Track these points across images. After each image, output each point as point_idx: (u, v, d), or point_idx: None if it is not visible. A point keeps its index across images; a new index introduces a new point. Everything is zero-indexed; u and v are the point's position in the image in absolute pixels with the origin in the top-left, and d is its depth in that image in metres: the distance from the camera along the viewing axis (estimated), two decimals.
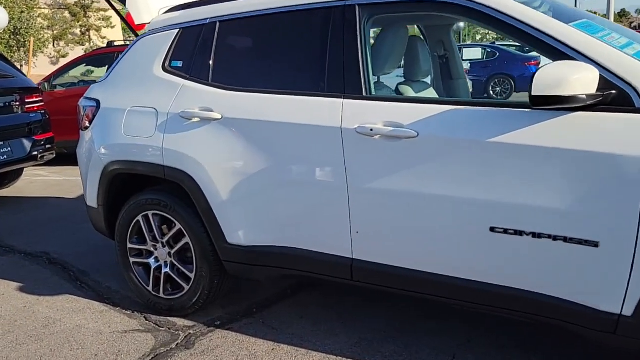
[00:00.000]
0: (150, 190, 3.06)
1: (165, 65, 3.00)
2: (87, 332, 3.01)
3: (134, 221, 3.12)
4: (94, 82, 8.42)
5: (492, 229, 2.14)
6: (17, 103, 5.73)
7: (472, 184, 2.15)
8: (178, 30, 3.00)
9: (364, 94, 2.42)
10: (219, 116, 2.72)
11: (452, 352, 2.65)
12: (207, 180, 2.77)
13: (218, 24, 2.86)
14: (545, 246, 2.06)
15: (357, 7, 2.46)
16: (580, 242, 1.99)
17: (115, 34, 31.34)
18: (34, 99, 5.94)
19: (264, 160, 2.62)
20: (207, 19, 2.90)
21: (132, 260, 3.20)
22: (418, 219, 2.30)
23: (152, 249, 3.13)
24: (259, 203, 2.69)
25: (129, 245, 3.19)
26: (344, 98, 2.45)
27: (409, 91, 3.01)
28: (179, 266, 3.04)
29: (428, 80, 3.42)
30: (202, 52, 2.89)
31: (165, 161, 2.87)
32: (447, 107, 2.21)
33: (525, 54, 14.50)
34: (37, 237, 4.70)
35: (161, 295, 3.13)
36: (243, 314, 3.15)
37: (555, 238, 2.03)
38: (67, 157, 7.85)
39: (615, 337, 2.01)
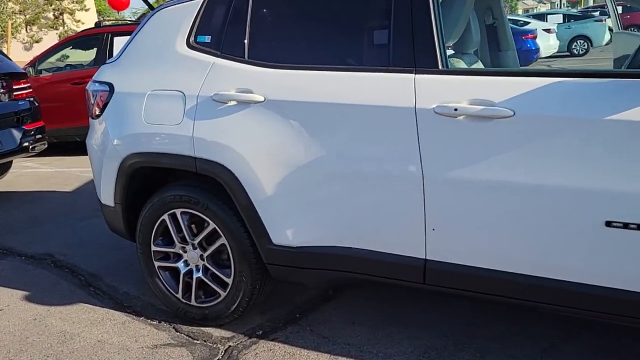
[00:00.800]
0: (178, 186, 2.67)
1: (190, 40, 2.60)
2: (112, 348, 2.64)
3: (159, 221, 2.74)
4: (81, 66, 7.99)
5: (608, 224, 1.82)
6: (4, 90, 5.24)
7: (584, 171, 1.82)
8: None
9: (440, 67, 2.06)
10: (261, 98, 2.34)
11: None
12: (248, 173, 2.39)
13: None
14: None
15: None
16: None
17: (90, 17, 30.32)
18: (22, 86, 5.46)
19: (318, 148, 2.25)
20: None
21: (157, 264, 2.83)
22: (513, 213, 1.97)
23: (180, 252, 2.76)
24: (312, 198, 2.33)
25: (154, 248, 2.81)
26: (415, 73, 2.08)
27: (460, 64, 2.65)
28: (214, 270, 2.68)
29: (472, 51, 3.07)
30: (234, 24, 2.49)
31: (196, 152, 2.49)
32: (553, 79, 1.86)
33: (521, 27, 14.18)
34: (36, 236, 4.29)
35: (193, 302, 2.77)
36: (285, 320, 2.81)
37: None
38: (56, 147, 7.38)
39: None
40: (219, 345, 2.62)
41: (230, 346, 2.61)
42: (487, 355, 2.40)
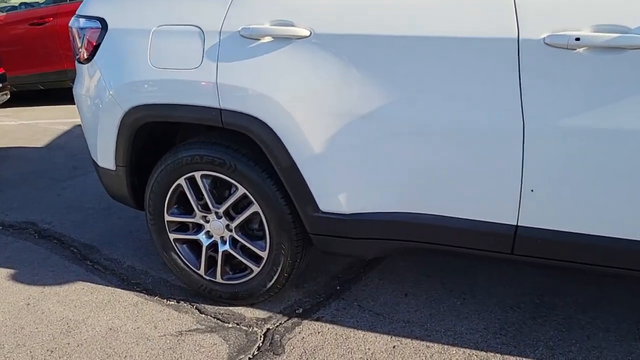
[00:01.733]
0: (197, 144, 2.20)
1: None
2: (128, 338, 2.23)
3: (174, 186, 2.29)
4: (38, 4, 7.13)
5: None
6: None
7: None
8: None
9: None
10: (307, 32, 1.86)
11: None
12: (290, 127, 1.94)
13: None
14: None
15: None
16: None
17: None
18: None
19: (382, 93, 1.81)
20: None
21: (173, 236, 2.39)
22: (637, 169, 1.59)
23: (201, 222, 2.32)
24: (372, 156, 1.90)
25: (168, 218, 2.37)
26: None
27: None
28: (244, 242, 2.26)
29: None
30: None
31: (222, 102, 2.01)
32: None
33: None
34: (13, 201, 3.76)
35: (218, 279, 2.36)
36: (326, 294, 2.44)
37: None
38: (18, 97, 6.69)
39: None
40: (255, 329, 2.24)
41: (269, 329, 2.23)
42: (574, 328, 2.09)
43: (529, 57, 1.61)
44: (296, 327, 2.23)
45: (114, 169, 2.40)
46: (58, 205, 3.63)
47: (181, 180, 2.26)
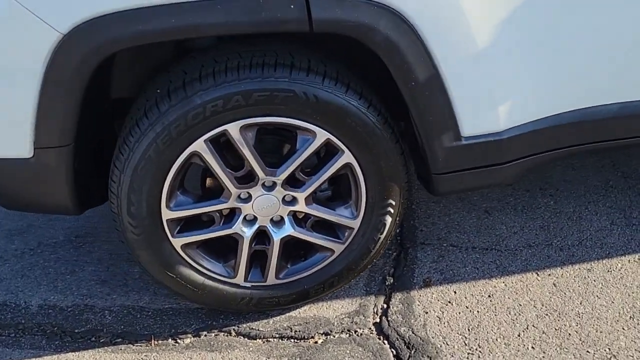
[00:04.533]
0: (231, 74, 1.19)
1: None
2: None
3: (181, 159, 1.27)
4: None
5: None
6: None
7: None
8: None
9: None
10: None
11: None
12: (443, 18, 1.13)
13: None
14: None
15: None
16: None
17: None
18: None
19: None
20: None
21: (181, 242, 1.39)
22: None
23: (238, 204, 1.37)
24: (554, 39, 1.25)
25: (170, 215, 1.34)
26: None
27: None
28: (325, 215, 1.42)
29: None
30: None
31: None
32: None
33: None
34: None
35: (271, 281, 1.49)
36: (393, 251, 1.77)
37: None
38: None
39: None
40: (363, 332, 1.50)
41: (377, 323, 1.52)
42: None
43: None
44: (412, 306, 1.56)
45: (31, 155, 1.22)
46: None
47: (197, 146, 1.25)
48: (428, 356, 1.41)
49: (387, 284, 1.65)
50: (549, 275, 1.62)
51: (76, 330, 1.55)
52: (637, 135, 1.48)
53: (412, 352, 1.43)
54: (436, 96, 1.25)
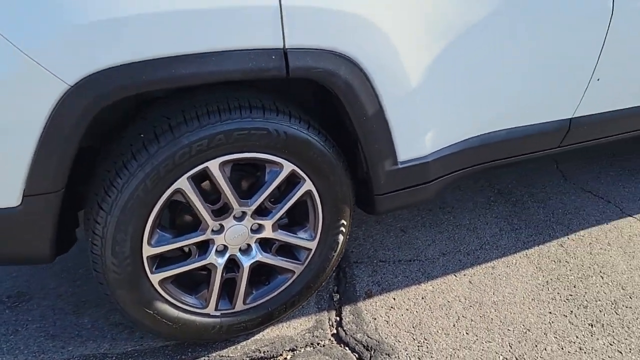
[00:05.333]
0: (213, 116, 1.34)
1: None
2: None
3: (165, 196, 1.37)
4: None
5: None
6: None
7: None
8: None
9: None
10: None
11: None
12: (389, 59, 1.41)
13: None
14: None
15: None
16: None
17: None
18: None
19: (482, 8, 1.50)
20: None
21: (158, 277, 1.47)
22: None
23: (212, 236, 1.49)
24: (482, 71, 1.60)
25: (150, 252, 1.42)
26: None
27: None
28: (288, 239, 1.59)
29: None
30: None
31: (289, 38, 1.27)
32: None
33: None
34: None
35: (239, 307, 1.62)
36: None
37: None
38: None
39: None
40: (335, 344, 1.67)
41: (336, 334, 1.70)
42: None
43: None
44: (361, 315, 1.77)
45: (18, 203, 1.25)
46: None
47: (181, 183, 1.37)
48: (386, 354, 1.63)
49: (334, 300, 1.84)
50: (464, 275, 1.94)
51: None
52: (518, 154, 1.89)
53: (372, 352, 1.63)
54: (380, 128, 1.51)
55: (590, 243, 2.10)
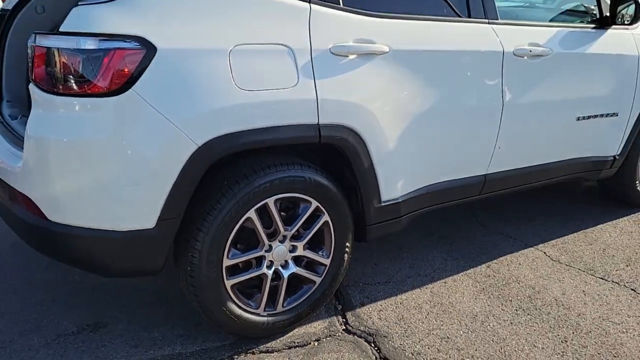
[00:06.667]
0: (273, 167, 2.07)
1: None
2: None
3: (241, 221, 2.05)
4: None
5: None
6: None
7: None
8: None
9: (500, 19, 2.62)
10: (386, 49, 2.21)
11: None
12: (375, 132, 2.24)
13: None
14: None
15: None
16: None
17: None
18: None
19: (434, 92, 2.39)
20: None
21: (231, 283, 2.11)
22: (546, 121, 2.85)
23: (265, 253, 2.17)
24: (427, 143, 2.45)
25: (228, 263, 2.08)
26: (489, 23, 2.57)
27: None
28: (313, 256, 2.29)
29: None
30: None
31: (321, 118, 2.07)
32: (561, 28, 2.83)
33: None
34: None
35: (279, 309, 2.26)
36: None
37: None
38: None
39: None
40: (348, 334, 2.33)
41: (347, 329, 2.37)
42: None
43: (506, 62, 2.59)
44: (360, 315, 2.45)
45: (153, 225, 1.89)
46: None
47: (251, 213, 2.07)
48: (383, 336, 2.31)
49: (338, 309, 2.51)
50: (426, 288, 2.69)
51: None
52: (455, 199, 2.73)
53: (374, 337, 2.30)
54: (372, 176, 2.29)
55: (507, 264, 2.94)
